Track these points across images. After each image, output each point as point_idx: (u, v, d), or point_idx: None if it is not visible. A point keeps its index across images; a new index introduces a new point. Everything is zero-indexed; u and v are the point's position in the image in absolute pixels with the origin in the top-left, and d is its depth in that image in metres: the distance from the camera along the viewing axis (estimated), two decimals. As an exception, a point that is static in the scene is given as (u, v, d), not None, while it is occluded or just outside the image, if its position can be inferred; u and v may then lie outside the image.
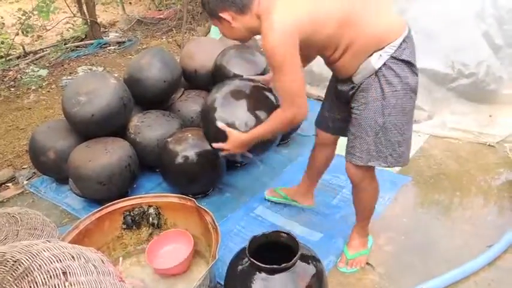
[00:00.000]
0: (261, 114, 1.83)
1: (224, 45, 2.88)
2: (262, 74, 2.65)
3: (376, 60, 1.56)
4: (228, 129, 1.80)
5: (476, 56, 3.19)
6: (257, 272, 1.48)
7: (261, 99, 1.89)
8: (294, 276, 1.47)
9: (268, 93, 1.92)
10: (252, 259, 1.48)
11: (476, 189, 2.44)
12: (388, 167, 1.73)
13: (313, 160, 2.17)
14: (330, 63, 1.69)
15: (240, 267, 1.55)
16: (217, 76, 2.72)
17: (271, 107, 1.80)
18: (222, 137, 1.82)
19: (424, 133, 3.01)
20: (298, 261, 1.49)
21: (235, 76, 2.61)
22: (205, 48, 3.01)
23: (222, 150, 1.87)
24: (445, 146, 2.88)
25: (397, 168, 2.57)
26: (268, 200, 2.42)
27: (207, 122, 1.93)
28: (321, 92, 3.61)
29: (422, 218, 2.26)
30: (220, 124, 1.83)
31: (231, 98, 1.88)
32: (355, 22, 1.52)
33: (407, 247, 2.07)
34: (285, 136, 2.92)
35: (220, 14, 1.58)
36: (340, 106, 1.85)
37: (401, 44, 1.54)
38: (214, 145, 1.89)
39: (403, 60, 1.55)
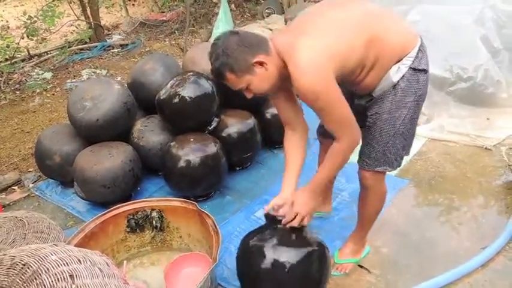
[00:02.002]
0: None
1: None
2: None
3: (395, 73, 1.57)
4: (282, 202, 1.68)
5: (475, 60, 3.23)
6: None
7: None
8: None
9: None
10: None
11: (473, 192, 2.49)
12: (393, 170, 1.78)
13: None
14: (354, 84, 1.64)
15: (253, 238, 1.71)
16: (218, 81, 2.76)
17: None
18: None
19: (422, 136, 3.05)
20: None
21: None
22: (207, 53, 3.05)
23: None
24: (443, 149, 2.93)
25: (395, 171, 2.62)
26: None
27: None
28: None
29: (419, 220, 2.31)
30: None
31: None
32: (379, 39, 1.51)
33: (404, 249, 2.12)
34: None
35: (255, 60, 1.47)
36: None
37: (417, 53, 1.56)
38: (284, 221, 1.67)
39: (420, 70, 1.57)
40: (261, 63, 1.48)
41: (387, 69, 1.57)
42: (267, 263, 1.60)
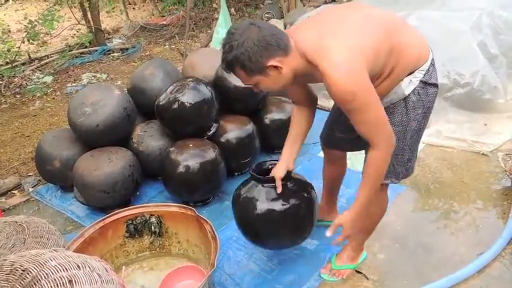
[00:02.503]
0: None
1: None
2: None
3: (407, 86, 1.55)
4: (338, 223, 1.69)
5: (472, 66, 3.25)
6: (259, 185, 1.86)
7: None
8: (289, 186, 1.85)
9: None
10: (254, 174, 1.88)
11: (470, 198, 2.50)
12: (398, 181, 1.77)
13: (326, 177, 2.19)
14: None
15: (244, 188, 1.93)
16: (218, 86, 2.79)
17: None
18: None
19: (420, 142, 3.06)
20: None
21: (236, 87, 2.70)
22: (207, 59, 3.08)
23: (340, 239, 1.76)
24: (440, 154, 2.95)
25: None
26: None
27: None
28: (319, 100, 3.68)
29: (417, 226, 2.32)
30: (329, 233, 1.70)
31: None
32: (398, 48, 1.48)
33: (401, 255, 2.14)
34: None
35: (270, 64, 1.40)
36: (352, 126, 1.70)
37: (429, 67, 1.56)
38: (333, 243, 1.81)
39: (431, 84, 1.57)
40: (275, 67, 1.42)
41: (399, 80, 1.54)
42: (261, 207, 1.82)
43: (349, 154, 2.18)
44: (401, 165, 1.71)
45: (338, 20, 1.51)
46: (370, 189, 1.59)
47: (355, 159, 2.44)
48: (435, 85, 1.59)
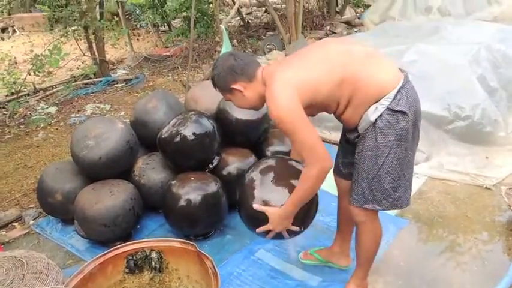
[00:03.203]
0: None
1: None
2: (264, 118, 2.76)
3: (372, 113, 1.65)
4: (264, 209, 1.79)
5: (472, 99, 3.29)
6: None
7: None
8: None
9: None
10: None
11: (474, 233, 2.48)
12: (384, 209, 1.79)
13: (341, 211, 2.17)
14: (336, 116, 1.81)
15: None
16: (220, 119, 2.82)
17: None
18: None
19: (422, 175, 3.07)
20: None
21: (237, 120, 2.72)
22: (209, 92, 3.08)
23: (267, 233, 1.86)
24: (443, 188, 2.94)
25: (394, 211, 2.62)
26: (304, 263, 2.33)
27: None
28: (320, 132, 3.71)
29: (420, 262, 2.29)
30: (256, 205, 1.81)
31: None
32: (352, 80, 1.64)
33: (405, 292, 2.10)
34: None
35: (232, 86, 1.75)
36: (350, 151, 1.89)
37: (396, 95, 1.63)
38: (258, 230, 1.86)
39: (398, 111, 1.63)
40: (239, 90, 1.74)
41: (364, 108, 1.67)
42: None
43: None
44: (380, 192, 1.74)
45: (303, 55, 1.75)
46: (297, 199, 1.75)
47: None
48: (403, 113, 1.64)
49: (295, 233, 1.91)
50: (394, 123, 1.65)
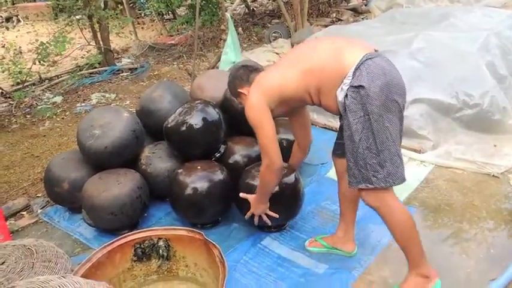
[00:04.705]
0: None
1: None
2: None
3: (339, 93, 1.76)
4: (247, 196, 2.25)
5: (481, 87, 3.25)
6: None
7: None
8: None
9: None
10: None
11: (480, 221, 2.47)
12: (376, 188, 1.74)
13: (341, 196, 2.19)
14: (318, 106, 1.93)
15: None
16: (226, 108, 2.81)
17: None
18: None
19: (429, 163, 3.04)
20: None
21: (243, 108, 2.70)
22: (215, 81, 3.11)
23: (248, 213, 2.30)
24: (450, 176, 2.92)
25: (401, 198, 2.61)
26: (310, 251, 2.35)
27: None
28: (326, 121, 3.69)
29: (427, 250, 2.26)
30: (242, 194, 2.28)
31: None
32: (319, 70, 1.80)
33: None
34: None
35: (239, 90, 2.09)
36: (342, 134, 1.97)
37: (354, 72, 1.71)
38: (246, 216, 2.32)
39: (359, 86, 1.68)
40: (243, 93, 2.06)
41: (335, 93, 1.78)
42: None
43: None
44: (366, 169, 1.73)
45: (284, 56, 2.11)
46: (260, 188, 2.15)
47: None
48: (362, 87, 1.68)
49: (277, 220, 2.31)
50: (358, 99, 1.70)
